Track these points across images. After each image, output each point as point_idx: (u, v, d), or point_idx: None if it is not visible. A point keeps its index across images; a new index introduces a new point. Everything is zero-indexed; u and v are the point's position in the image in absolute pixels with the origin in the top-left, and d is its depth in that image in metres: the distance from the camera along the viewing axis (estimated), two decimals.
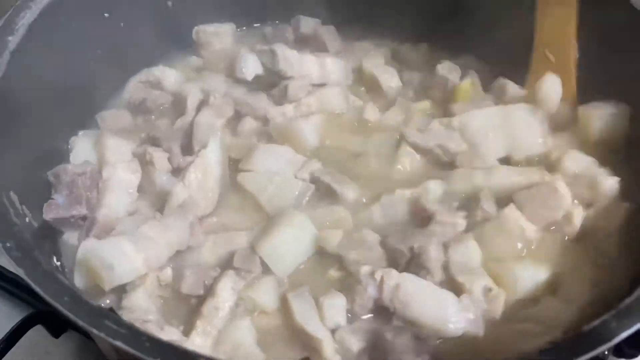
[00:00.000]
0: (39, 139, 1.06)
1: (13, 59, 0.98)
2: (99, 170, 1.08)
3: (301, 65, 1.25)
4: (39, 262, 0.70)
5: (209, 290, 0.94)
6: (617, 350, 1.09)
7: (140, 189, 1.09)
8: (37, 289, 0.66)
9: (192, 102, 1.21)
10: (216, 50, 1.39)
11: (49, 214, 0.99)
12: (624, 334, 0.63)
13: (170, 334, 0.85)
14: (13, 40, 0.99)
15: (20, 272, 0.68)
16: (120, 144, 1.15)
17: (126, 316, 0.87)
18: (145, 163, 1.11)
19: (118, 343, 0.61)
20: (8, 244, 0.71)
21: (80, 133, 1.17)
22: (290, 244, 1.00)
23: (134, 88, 1.29)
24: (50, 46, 1.07)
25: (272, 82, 1.26)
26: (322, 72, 1.28)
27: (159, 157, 1.11)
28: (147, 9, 1.29)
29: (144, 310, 0.90)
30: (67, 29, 1.11)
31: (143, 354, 0.60)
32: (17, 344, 1.05)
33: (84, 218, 1.03)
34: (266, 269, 0.98)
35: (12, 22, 1.01)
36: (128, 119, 1.24)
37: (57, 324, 1.14)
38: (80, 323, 0.62)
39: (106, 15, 1.21)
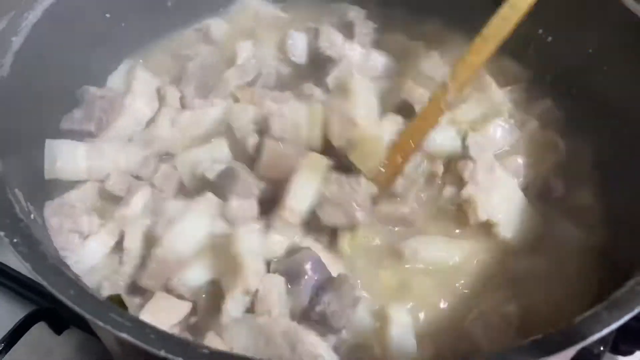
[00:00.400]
0: (40, 141, 1.07)
1: (17, 59, 0.99)
2: (122, 98, 1.16)
3: (343, 48, 1.28)
4: (45, 256, 0.71)
5: (125, 198, 1.03)
6: (614, 347, 1.11)
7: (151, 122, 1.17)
8: (44, 283, 0.67)
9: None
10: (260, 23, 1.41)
11: (64, 124, 1.10)
12: (615, 325, 0.65)
13: (88, 220, 0.98)
14: (17, 41, 1.00)
15: (27, 266, 0.69)
16: (148, 79, 1.23)
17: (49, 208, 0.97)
18: (160, 99, 1.19)
19: (123, 335, 0.62)
20: (15, 240, 0.73)
21: (124, 61, 1.29)
22: (206, 160, 1.06)
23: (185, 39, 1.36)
24: (53, 46, 1.08)
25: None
26: (365, 62, 1.30)
27: (172, 95, 1.18)
28: (146, 8, 1.31)
29: (69, 205, 1.00)
30: (70, 29, 1.12)
31: (148, 345, 0.61)
32: (20, 341, 1.06)
33: (90, 134, 1.11)
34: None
35: (15, 23, 1.02)
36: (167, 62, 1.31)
37: (59, 321, 1.15)
38: (87, 316, 0.64)
39: (107, 15, 1.23)
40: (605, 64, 1.20)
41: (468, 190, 1.03)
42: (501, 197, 1.04)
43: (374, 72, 1.29)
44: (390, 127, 1.09)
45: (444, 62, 1.32)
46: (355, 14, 1.39)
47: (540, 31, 1.34)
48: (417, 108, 1.14)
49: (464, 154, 1.09)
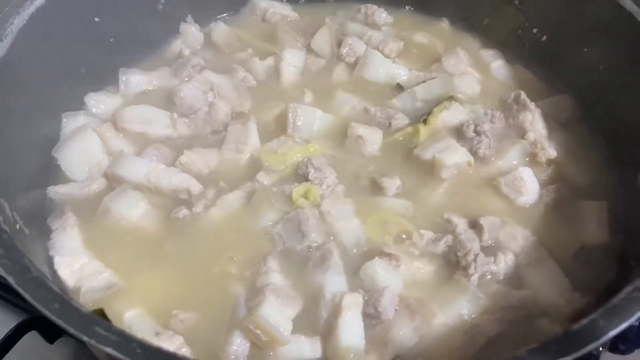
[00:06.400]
0: (28, 144, 1.06)
1: (3, 65, 0.98)
2: None
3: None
4: (28, 269, 0.70)
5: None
6: (612, 346, 1.10)
7: None
8: (27, 297, 0.66)
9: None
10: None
11: None
12: (612, 333, 0.63)
13: None
14: (2, 47, 0.99)
15: (10, 279, 0.67)
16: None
17: None
18: None
19: (108, 350, 0.61)
20: None
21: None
22: None
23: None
24: (40, 52, 1.07)
25: None
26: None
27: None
28: (137, 12, 1.30)
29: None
30: (56, 34, 1.11)
31: None
32: (12, 350, 1.05)
33: None
34: None
35: (0, 28, 1.00)
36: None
37: (51, 330, 1.14)
38: (71, 330, 0.62)
39: (96, 19, 1.21)
40: (601, 62, 1.19)
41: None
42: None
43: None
44: None
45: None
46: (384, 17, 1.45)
47: (535, 30, 1.34)
48: None
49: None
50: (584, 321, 0.65)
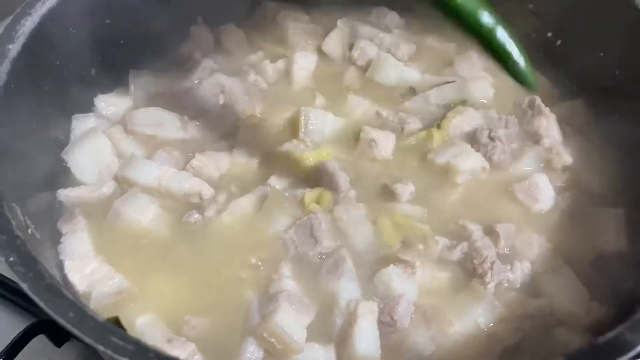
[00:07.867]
0: (38, 146, 1.04)
1: (14, 67, 0.96)
2: None
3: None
4: (42, 276, 0.68)
5: None
6: None
7: None
8: (42, 305, 0.64)
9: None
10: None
11: None
12: None
13: None
14: (13, 49, 0.97)
15: (24, 286, 0.66)
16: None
17: None
18: None
19: None
20: (11, 258, 0.70)
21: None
22: None
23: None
24: (50, 53, 1.05)
25: None
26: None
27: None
28: (148, 14, 1.28)
29: None
30: (67, 36, 1.09)
31: None
32: (20, 354, 1.04)
33: None
34: None
35: (12, 29, 0.99)
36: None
37: (59, 334, 1.13)
38: (87, 340, 0.61)
39: (107, 21, 1.19)
40: (617, 67, 1.18)
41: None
42: None
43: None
44: None
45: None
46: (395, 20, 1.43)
47: (549, 34, 1.32)
48: None
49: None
50: (611, 334, 0.63)
